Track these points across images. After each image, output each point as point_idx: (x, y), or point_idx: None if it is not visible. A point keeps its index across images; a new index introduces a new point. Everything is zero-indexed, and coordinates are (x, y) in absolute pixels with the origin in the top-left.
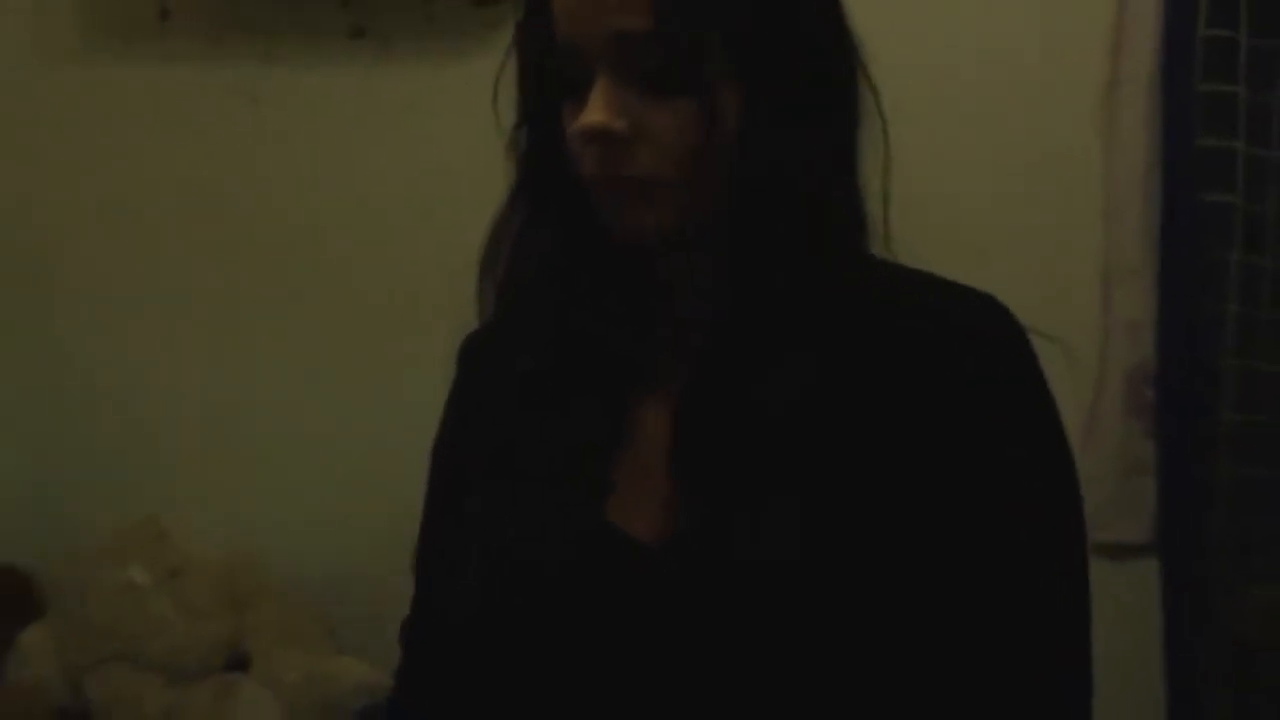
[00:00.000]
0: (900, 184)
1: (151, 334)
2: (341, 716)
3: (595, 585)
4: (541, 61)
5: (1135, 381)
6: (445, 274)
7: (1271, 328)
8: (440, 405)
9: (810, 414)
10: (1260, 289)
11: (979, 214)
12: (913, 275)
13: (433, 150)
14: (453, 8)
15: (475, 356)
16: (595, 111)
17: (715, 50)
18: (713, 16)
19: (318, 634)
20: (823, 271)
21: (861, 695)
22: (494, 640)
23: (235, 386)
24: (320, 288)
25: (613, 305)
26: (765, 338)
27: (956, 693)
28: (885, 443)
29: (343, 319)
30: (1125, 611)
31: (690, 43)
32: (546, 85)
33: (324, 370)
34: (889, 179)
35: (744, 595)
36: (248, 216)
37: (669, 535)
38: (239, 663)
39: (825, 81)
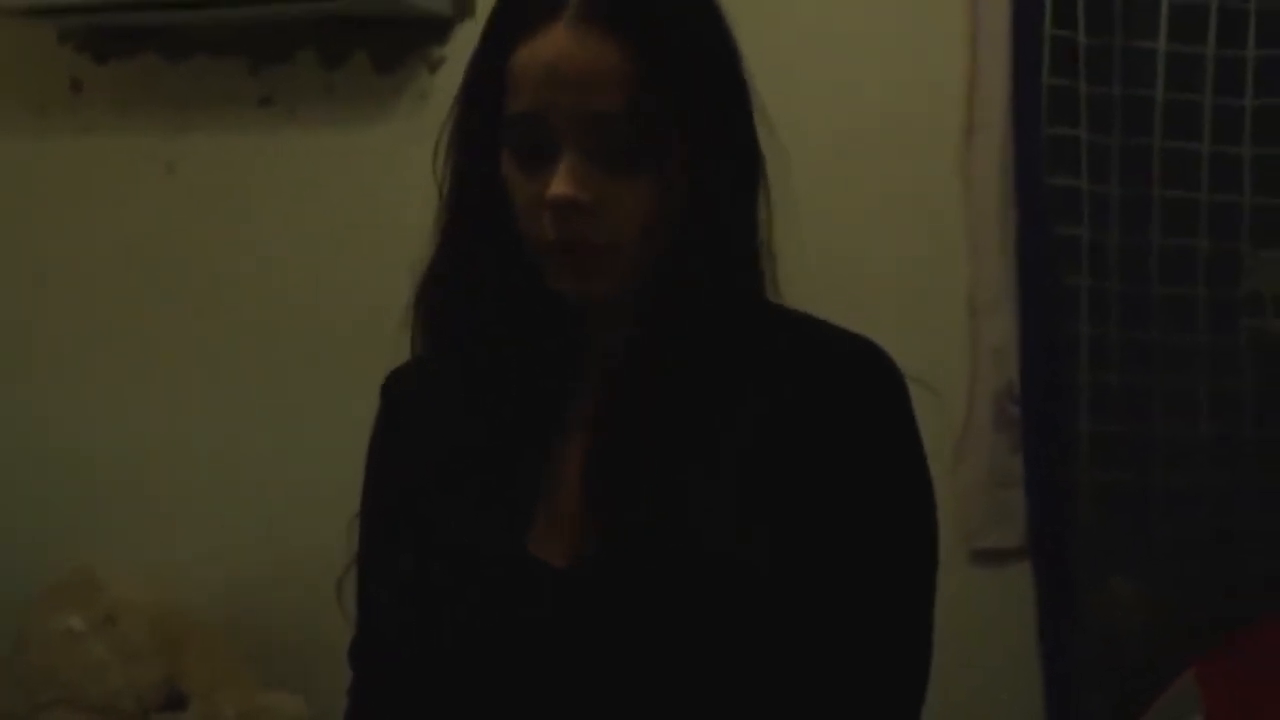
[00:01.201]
0: (781, 232)
1: (81, 393)
2: None
3: (515, 611)
4: (490, 125)
5: (1002, 401)
6: (350, 323)
7: (1119, 346)
8: (354, 443)
9: (708, 445)
10: (1108, 312)
11: (853, 256)
12: (801, 319)
13: (337, 207)
14: (354, 77)
15: (399, 391)
16: (565, 185)
17: (671, 132)
18: (675, 104)
19: (249, 672)
20: (733, 318)
21: (743, 693)
22: (428, 666)
23: (158, 434)
24: (236, 338)
25: (537, 349)
26: (674, 378)
27: (820, 683)
28: (773, 471)
29: (258, 367)
30: (1003, 611)
31: (657, 126)
32: (488, 145)
33: (243, 415)
34: (772, 231)
35: (645, 610)
36: (166, 274)
37: (582, 559)
38: (177, 702)
39: (747, 154)
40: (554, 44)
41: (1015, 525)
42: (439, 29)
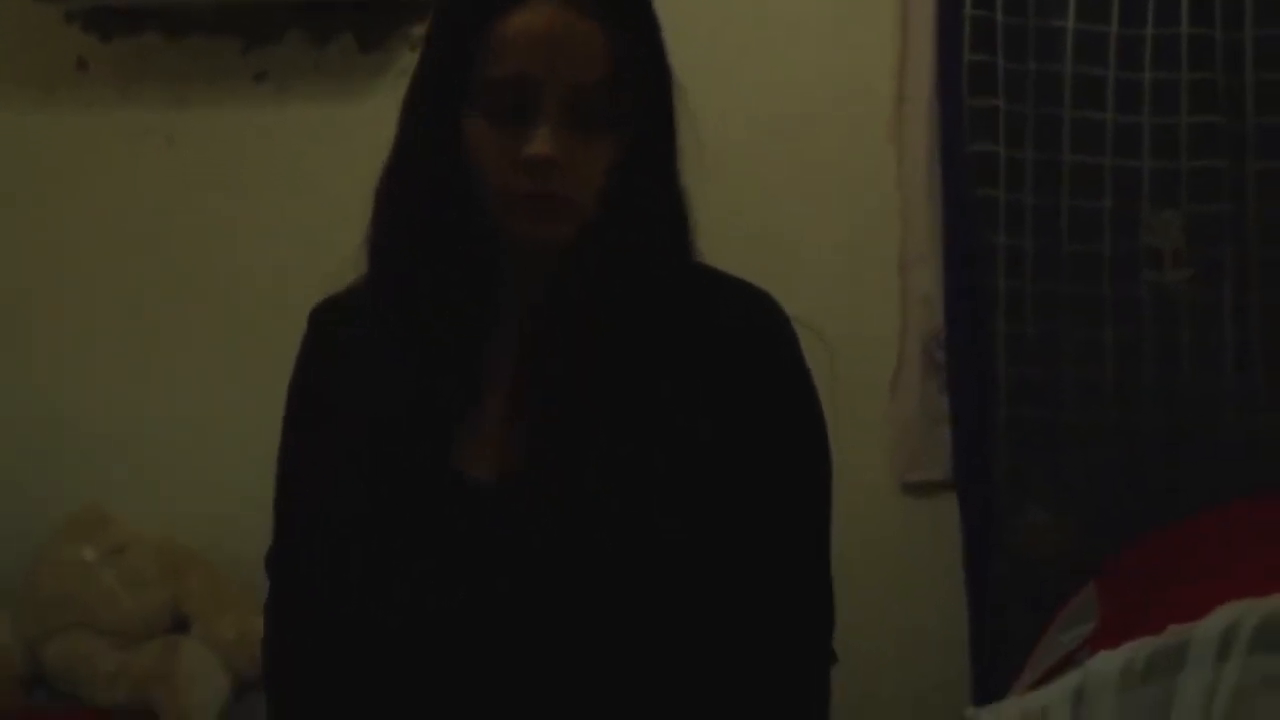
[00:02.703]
0: (726, 194)
1: (86, 354)
2: None
3: (445, 524)
4: (455, 85)
5: (930, 348)
6: (335, 286)
7: (1033, 298)
8: None
9: (627, 375)
10: (1023, 266)
11: (793, 218)
12: (709, 271)
13: (325, 176)
14: (340, 55)
15: (326, 317)
16: (546, 145)
17: (632, 102)
18: (637, 78)
19: (247, 598)
20: (654, 264)
21: (660, 603)
22: (354, 578)
23: (159, 394)
24: (231, 302)
25: (465, 282)
26: (598, 312)
27: (732, 602)
28: (682, 398)
29: (255, 330)
30: (931, 537)
31: (623, 97)
32: (450, 103)
33: (235, 375)
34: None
35: (570, 522)
36: (166, 241)
37: (508, 475)
38: (179, 625)
39: (673, 124)
40: (544, 17)
41: (943, 460)
42: (417, 10)
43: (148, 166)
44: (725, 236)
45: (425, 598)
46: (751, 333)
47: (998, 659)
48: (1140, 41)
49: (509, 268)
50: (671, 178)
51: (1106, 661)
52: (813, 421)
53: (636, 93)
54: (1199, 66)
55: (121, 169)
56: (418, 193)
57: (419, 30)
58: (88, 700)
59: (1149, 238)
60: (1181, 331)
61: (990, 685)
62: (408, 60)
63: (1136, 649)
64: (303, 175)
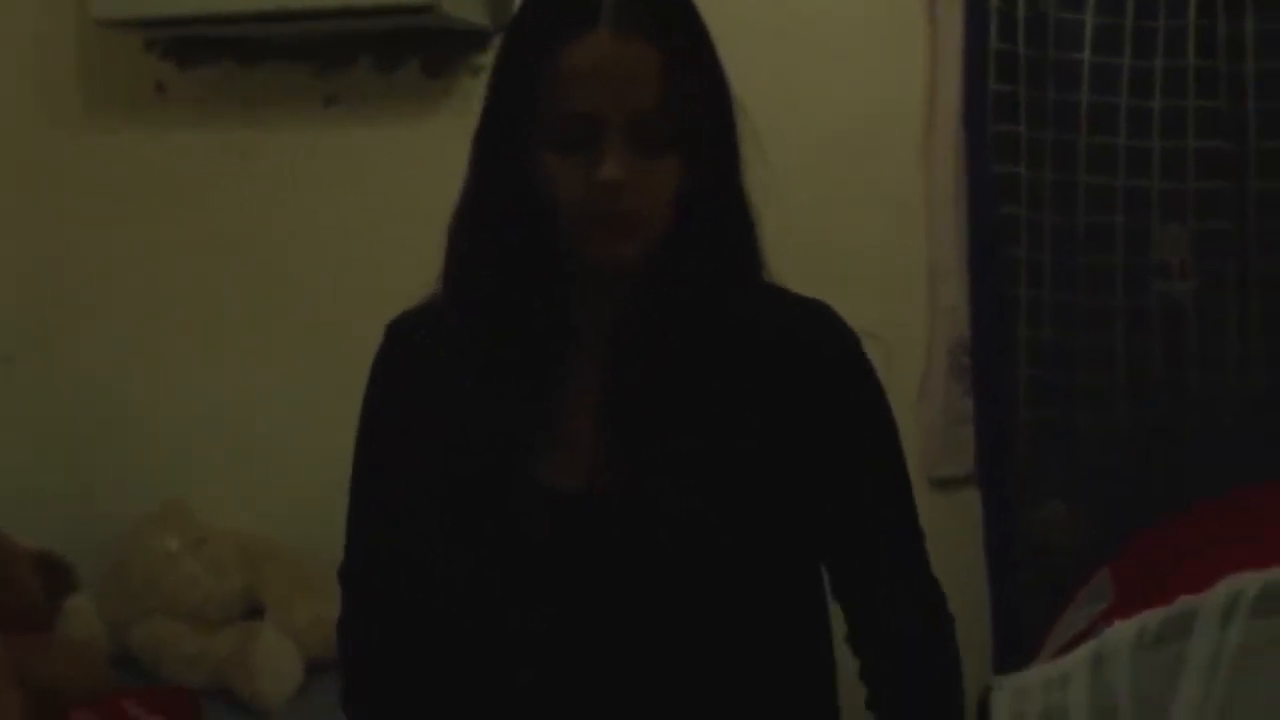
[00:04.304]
0: (775, 216)
1: (170, 358)
2: None
3: (531, 533)
4: (525, 119)
5: (956, 353)
6: (402, 294)
7: (1051, 307)
8: None
9: (708, 389)
10: (1042, 278)
11: (835, 234)
12: (776, 289)
13: (391, 193)
14: (407, 80)
15: (406, 329)
16: (616, 169)
17: (691, 121)
18: (694, 97)
19: (321, 586)
20: (726, 280)
21: (735, 615)
22: (443, 591)
23: (241, 394)
24: (303, 309)
25: (544, 301)
26: (676, 327)
27: (850, 572)
28: (759, 409)
29: (327, 335)
30: (956, 529)
31: (682, 116)
32: (521, 136)
33: (308, 377)
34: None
35: (661, 532)
36: (244, 253)
37: (597, 488)
38: (255, 613)
39: (737, 142)
40: (599, 50)
41: (966, 457)
42: (479, 40)
43: (225, 183)
44: (772, 249)
45: (515, 609)
46: (823, 345)
47: (1019, 639)
48: (1150, 72)
49: (585, 287)
50: (737, 192)
51: (1122, 630)
52: (889, 416)
53: (695, 110)
54: (1205, 95)
55: (199, 185)
56: (494, 220)
57: (480, 59)
58: (170, 681)
59: (1158, 252)
60: (1188, 338)
61: (1011, 663)
62: (469, 85)
63: (1149, 618)
64: (370, 191)
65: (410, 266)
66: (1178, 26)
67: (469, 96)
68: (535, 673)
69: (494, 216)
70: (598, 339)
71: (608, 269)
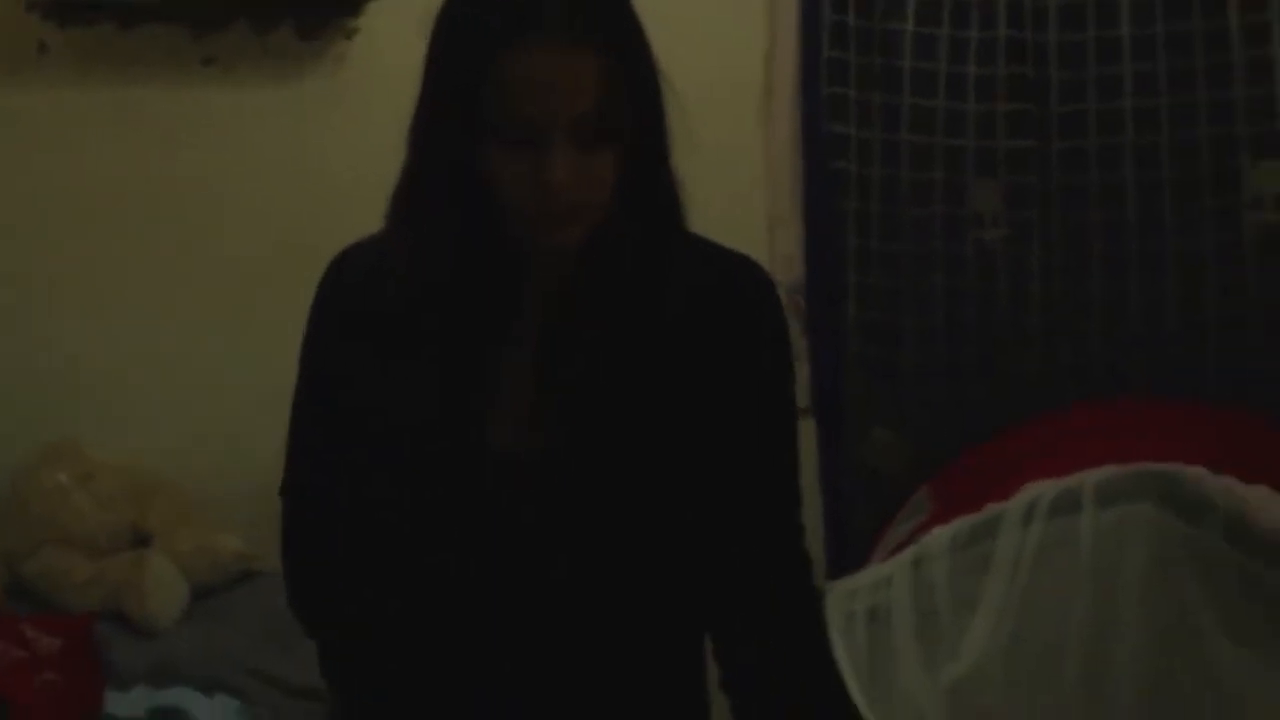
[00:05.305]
0: None
1: (55, 308)
2: (224, 576)
3: (471, 488)
4: (463, 113)
5: (793, 295)
6: (279, 246)
7: (878, 253)
8: (282, 347)
9: (640, 353)
10: (870, 228)
11: (682, 185)
12: (700, 242)
13: (267, 151)
14: (282, 42)
15: (353, 266)
16: (560, 172)
17: (628, 116)
18: (627, 98)
19: (203, 517)
20: (659, 248)
21: (674, 551)
22: (382, 527)
23: (120, 341)
24: (187, 261)
25: (489, 274)
26: (611, 298)
27: (732, 531)
28: (687, 370)
29: (205, 285)
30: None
31: (620, 114)
32: (469, 127)
33: (191, 326)
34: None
35: (599, 488)
36: (127, 209)
37: (539, 447)
38: (143, 542)
39: (666, 129)
40: (544, 57)
41: (801, 391)
42: (353, 4)
43: (105, 140)
44: None
45: (447, 557)
46: (746, 301)
47: (849, 553)
48: (967, 42)
49: (528, 260)
50: (667, 168)
51: (939, 535)
52: (791, 373)
53: (635, 106)
54: (1013, 63)
55: (80, 142)
56: (437, 201)
57: (353, 22)
58: (64, 608)
59: (973, 204)
60: (999, 281)
61: (843, 573)
62: (343, 48)
63: (961, 524)
64: (246, 150)
65: (284, 222)
66: (990, 1)
67: (342, 58)
68: (465, 619)
69: (436, 199)
70: (540, 306)
71: (551, 251)
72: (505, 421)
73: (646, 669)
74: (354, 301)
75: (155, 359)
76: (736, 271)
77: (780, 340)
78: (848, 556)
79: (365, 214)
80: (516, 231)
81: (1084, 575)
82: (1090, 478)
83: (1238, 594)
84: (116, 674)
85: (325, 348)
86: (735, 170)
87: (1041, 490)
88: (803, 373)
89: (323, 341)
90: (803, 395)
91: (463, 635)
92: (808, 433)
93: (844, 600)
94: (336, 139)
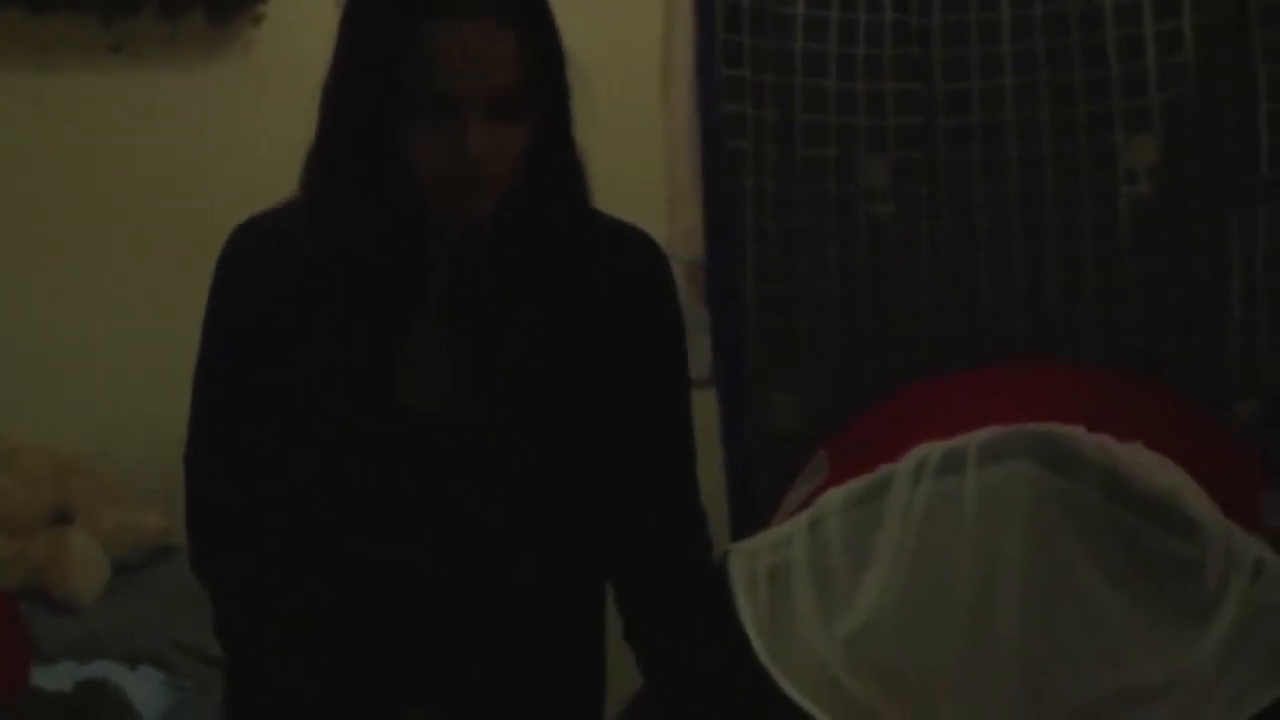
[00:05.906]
0: None
1: None
2: (145, 553)
3: (388, 451)
4: (382, 86)
5: (694, 269)
6: (188, 227)
7: (775, 228)
8: (192, 324)
9: (545, 319)
10: (766, 203)
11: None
12: (601, 216)
13: (177, 134)
14: (191, 27)
15: (257, 237)
16: (477, 145)
17: (541, 92)
18: (544, 72)
19: (123, 496)
20: (565, 222)
21: (580, 505)
22: (293, 490)
23: (38, 325)
24: (100, 245)
25: (402, 242)
26: (518, 268)
27: (634, 495)
28: (587, 336)
29: (118, 267)
30: (696, 423)
31: (535, 90)
32: (383, 99)
33: (104, 307)
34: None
35: (509, 448)
36: (40, 192)
37: (448, 408)
38: (64, 520)
39: (570, 102)
40: (460, 35)
41: (703, 360)
42: None
43: (16, 126)
44: None
45: (360, 519)
46: (639, 272)
47: (751, 517)
48: (855, 24)
49: (440, 229)
50: (572, 143)
51: (834, 495)
52: (683, 340)
53: (544, 81)
54: (900, 44)
55: None
56: (349, 171)
57: (261, 8)
58: None
59: (864, 180)
60: (889, 254)
61: (746, 535)
62: (250, 34)
63: (855, 484)
64: (155, 135)
65: (197, 205)
66: None
67: (250, 44)
68: (376, 577)
69: (349, 166)
70: (450, 274)
71: (462, 221)
72: (419, 385)
73: (553, 620)
74: (260, 268)
75: (74, 341)
76: (630, 244)
77: (671, 309)
78: (751, 519)
79: (276, 197)
80: (430, 202)
81: (970, 530)
82: (975, 438)
83: (1113, 544)
84: (41, 650)
85: (230, 315)
86: (634, 149)
87: (929, 450)
88: (704, 344)
89: (228, 309)
90: (705, 365)
91: (372, 594)
92: (709, 402)
93: (747, 560)
94: (245, 124)
